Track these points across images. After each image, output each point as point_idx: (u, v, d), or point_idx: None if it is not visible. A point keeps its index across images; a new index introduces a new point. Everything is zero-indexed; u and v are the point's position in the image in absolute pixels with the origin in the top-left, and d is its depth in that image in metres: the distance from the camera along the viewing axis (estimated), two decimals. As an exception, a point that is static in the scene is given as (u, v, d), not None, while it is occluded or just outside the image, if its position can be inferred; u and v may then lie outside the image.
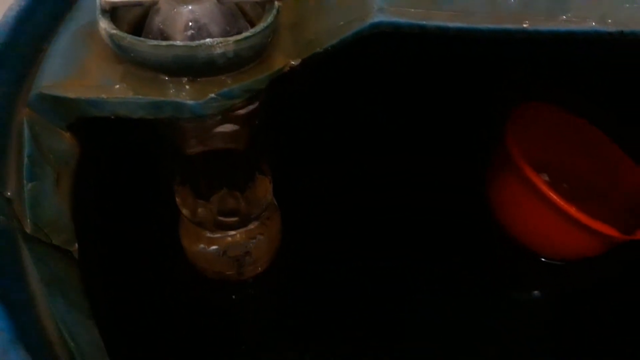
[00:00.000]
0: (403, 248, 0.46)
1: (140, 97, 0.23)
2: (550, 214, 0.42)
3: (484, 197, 0.49)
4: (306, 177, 0.47)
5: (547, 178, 0.52)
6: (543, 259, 0.47)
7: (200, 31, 0.25)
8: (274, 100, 0.30)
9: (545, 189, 0.41)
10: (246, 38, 0.23)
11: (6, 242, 0.23)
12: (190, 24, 0.24)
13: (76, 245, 0.23)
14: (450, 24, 0.25)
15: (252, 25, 0.27)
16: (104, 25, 0.23)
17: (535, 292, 0.48)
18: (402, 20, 0.25)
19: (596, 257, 0.44)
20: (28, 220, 0.22)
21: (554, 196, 0.41)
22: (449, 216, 0.48)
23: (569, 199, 0.42)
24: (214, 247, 0.36)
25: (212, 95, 0.23)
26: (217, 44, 0.23)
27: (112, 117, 0.24)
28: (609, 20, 0.25)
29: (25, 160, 0.23)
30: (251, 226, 0.35)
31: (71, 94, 0.23)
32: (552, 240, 0.46)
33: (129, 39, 0.23)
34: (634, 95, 0.46)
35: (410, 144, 0.52)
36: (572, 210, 0.41)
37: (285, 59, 0.26)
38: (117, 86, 0.24)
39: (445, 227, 0.48)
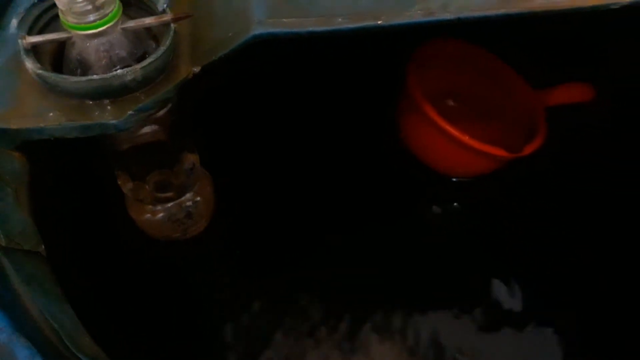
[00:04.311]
0: (325, 186, 0.50)
1: (72, 122, 0.27)
2: (444, 139, 0.46)
3: (396, 129, 0.53)
4: (233, 141, 0.51)
5: (451, 103, 0.56)
6: (454, 179, 0.52)
7: (112, 58, 0.29)
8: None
9: (436, 117, 0.45)
10: (149, 63, 0.27)
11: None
12: (102, 54, 0.28)
13: (42, 246, 0.28)
14: (318, 29, 0.29)
15: (157, 40, 0.31)
16: (30, 65, 0.27)
17: (450, 206, 0.52)
18: (277, 30, 0.29)
19: (500, 172, 0.49)
20: (1, 235, 0.26)
21: (443, 123, 0.45)
22: (366, 150, 0.52)
23: (472, 121, 0.45)
24: (159, 215, 0.41)
25: (130, 112, 0.28)
26: (127, 73, 0.27)
27: (52, 138, 0.28)
28: (450, 9, 0.30)
29: (-13, 187, 0.27)
30: (187, 195, 0.40)
31: (13, 125, 0.27)
32: (452, 162, 0.50)
33: (53, 77, 0.27)
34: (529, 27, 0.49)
35: (329, 86, 0.54)
36: (461, 136, 0.45)
37: (188, 68, 0.30)
38: (51, 114, 0.28)
39: (364, 161, 0.51)
